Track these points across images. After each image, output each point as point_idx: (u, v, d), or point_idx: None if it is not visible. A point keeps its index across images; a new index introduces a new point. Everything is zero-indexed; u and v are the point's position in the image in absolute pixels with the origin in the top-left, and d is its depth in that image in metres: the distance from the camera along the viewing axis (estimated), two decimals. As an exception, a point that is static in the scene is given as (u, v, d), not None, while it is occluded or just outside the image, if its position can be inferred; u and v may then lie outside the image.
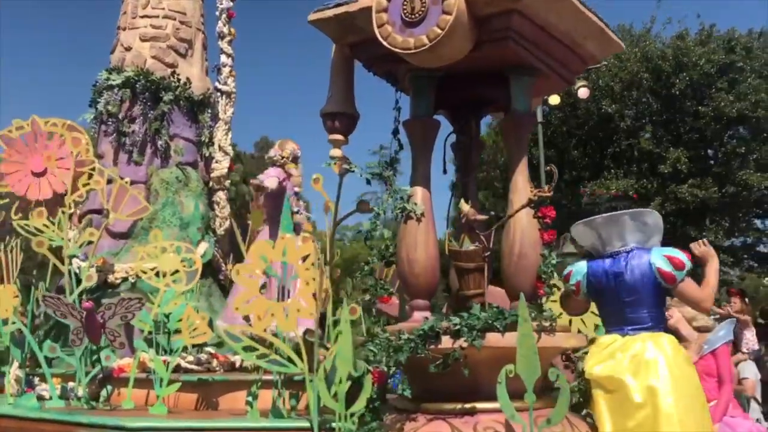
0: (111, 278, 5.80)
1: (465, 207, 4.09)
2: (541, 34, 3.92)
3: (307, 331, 4.85)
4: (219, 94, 7.40)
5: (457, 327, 3.50)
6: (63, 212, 5.68)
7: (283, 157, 6.32)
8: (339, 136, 4.35)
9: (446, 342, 3.54)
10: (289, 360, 4.39)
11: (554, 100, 13.46)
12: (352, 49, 4.23)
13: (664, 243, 3.84)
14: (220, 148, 7.28)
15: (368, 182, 4.13)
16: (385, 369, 3.54)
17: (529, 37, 3.88)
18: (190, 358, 5.75)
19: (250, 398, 4.79)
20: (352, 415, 3.65)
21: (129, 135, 6.94)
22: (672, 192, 18.81)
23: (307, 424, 4.47)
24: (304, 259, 4.45)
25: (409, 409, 3.77)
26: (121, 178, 6.24)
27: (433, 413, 3.67)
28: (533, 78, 4.13)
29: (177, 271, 5.55)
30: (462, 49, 3.76)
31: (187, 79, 7.31)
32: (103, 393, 5.32)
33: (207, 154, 7.43)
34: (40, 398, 5.24)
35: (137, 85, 7.04)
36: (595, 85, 16.49)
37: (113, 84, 7.04)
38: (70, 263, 5.68)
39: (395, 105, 4.15)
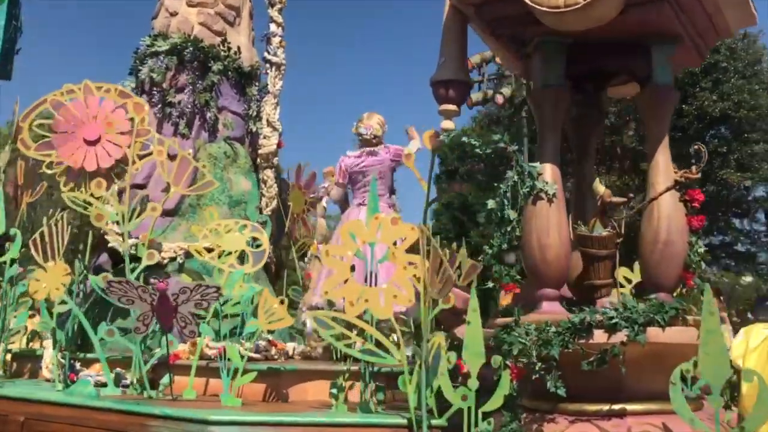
0: (158, 258, 5.35)
1: (601, 188, 3.72)
2: (691, -4, 3.55)
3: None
4: (268, 65, 6.93)
5: (614, 320, 3.13)
6: (116, 184, 5.23)
7: (375, 136, 5.92)
8: (452, 107, 3.96)
9: (599, 336, 3.18)
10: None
11: None
12: (475, 8, 3.83)
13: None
14: (269, 123, 6.81)
15: (487, 158, 3.74)
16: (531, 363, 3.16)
17: (682, -1, 3.51)
18: (249, 345, 5.34)
19: (335, 390, 4.41)
20: (484, 414, 3.29)
21: (175, 106, 6.45)
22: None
23: (402, 421, 4.12)
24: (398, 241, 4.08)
25: (543, 409, 3.41)
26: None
27: (573, 414, 3.31)
28: (674, 47, 3.76)
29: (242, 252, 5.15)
30: (613, 10, 3.39)
31: (238, 48, 6.84)
32: (164, 381, 4.90)
33: (254, 129, 6.97)
34: (97, 385, 4.81)
35: (185, 53, 6.54)
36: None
37: (159, 50, 6.55)
38: (125, 240, 5.22)
39: (535, 76, 3.77)
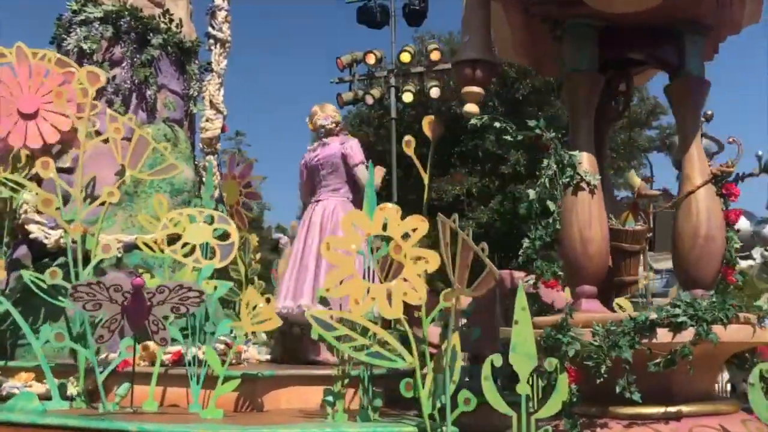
0: (116, 251, 4.69)
1: (636, 180, 3.57)
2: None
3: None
4: (212, 41, 6.35)
5: (681, 319, 2.96)
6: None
7: (337, 123, 5.52)
8: (477, 89, 3.68)
9: (663, 336, 3.00)
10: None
11: (407, 97, 13.99)
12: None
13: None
14: (213, 104, 6.26)
15: (521, 144, 3.48)
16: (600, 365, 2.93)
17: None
18: (205, 348, 4.80)
19: (330, 398, 4.00)
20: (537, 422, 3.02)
21: (110, 81, 5.73)
22: (511, 191, 19.85)
23: (413, 429, 3.80)
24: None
25: (592, 413, 3.19)
26: (98, 132, 5.06)
27: (627, 418, 3.11)
28: (705, 38, 3.67)
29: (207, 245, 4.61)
30: (657, -4, 3.23)
31: (180, 20, 6.20)
32: (120, 392, 4.29)
33: (194, 111, 6.36)
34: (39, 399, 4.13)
35: (121, 23, 5.84)
36: (446, 86, 17.16)
37: (90, 18, 5.81)
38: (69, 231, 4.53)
39: (566, 59, 3.54)
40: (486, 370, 3.19)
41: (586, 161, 3.44)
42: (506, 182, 20.39)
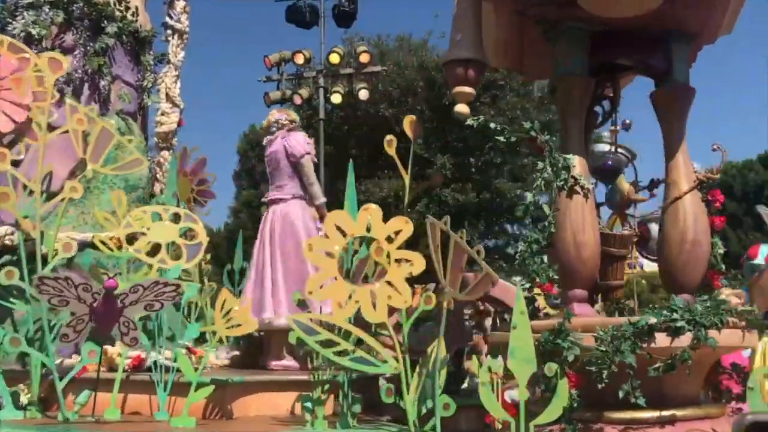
0: (76, 248, 4.39)
1: (625, 185, 3.59)
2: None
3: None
4: (170, 32, 6.09)
5: (679, 324, 2.97)
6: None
7: (292, 121, 5.32)
8: (468, 89, 3.61)
9: (662, 340, 3.01)
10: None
11: (336, 99, 14.04)
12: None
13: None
14: (169, 97, 5.99)
15: (514, 145, 3.44)
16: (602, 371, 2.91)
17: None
18: (169, 353, 4.58)
19: (309, 404, 3.85)
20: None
21: (60, 69, 5.39)
22: (437, 195, 20.10)
23: (395, 436, 3.71)
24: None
25: (587, 418, 3.17)
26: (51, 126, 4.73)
27: (623, 423, 3.12)
28: (692, 45, 3.73)
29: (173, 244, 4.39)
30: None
31: (136, 8, 5.91)
32: (80, 400, 4.03)
33: (148, 103, 6.07)
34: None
35: (73, 8, 5.51)
36: (375, 89, 17.38)
37: (40, 1, 5.45)
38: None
39: (557, 62, 3.52)
40: (483, 377, 3.14)
41: (578, 165, 3.43)
42: (432, 186, 20.38)
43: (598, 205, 3.77)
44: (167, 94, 5.96)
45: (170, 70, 6.02)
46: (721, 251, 3.51)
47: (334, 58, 13.79)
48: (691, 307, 3.03)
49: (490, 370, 3.12)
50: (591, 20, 3.47)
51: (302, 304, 4.10)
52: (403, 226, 3.74)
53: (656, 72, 3.70)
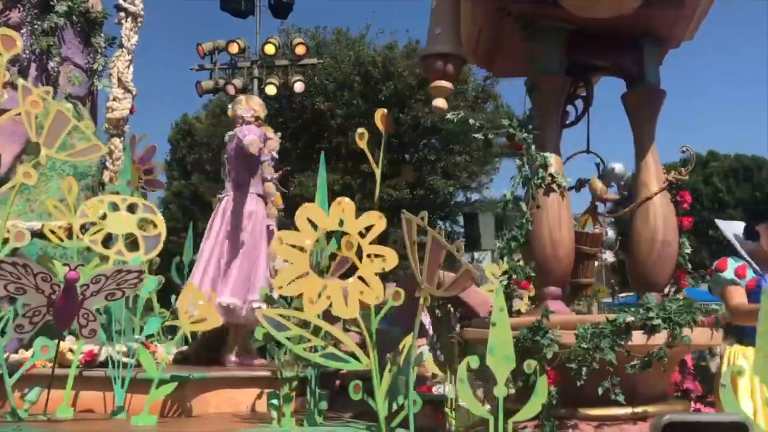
0: (29, 237, 4.15)
1: (598, 184, 3.62)
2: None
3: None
4: (123, 15, 5.84)
5: (655, 321, 3.02)
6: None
7: (257, 118, 5.18)
8: (447, 84, 3.59)
9: (638, 338, 3.05)
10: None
11: (270, 90, 13.90)
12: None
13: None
14: (121, 82, 5.75)
15: (489, 145, 3.44)
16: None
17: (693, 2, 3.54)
18: (122, 348, 4.40)
19: (275, 402, 3.76)
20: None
21: (5, 48, 5.10)
22: (371, 190, 20.30)
23: (365, 434, 3.66)
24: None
25: (561, 415, 3.19)
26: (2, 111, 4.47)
27: (596, 419, 3.15)
28: (662, 48, 3.80)
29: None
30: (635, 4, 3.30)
31: (88, -14, 5.66)
32: (30, 398, 3.81)
33: (99, 88, 5.82)
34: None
35: (20, -17, 5.25)
36: (311, 82, 17.37)
37: (-18, -25, 5.16)
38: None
39: (535, 60, 3.53)
40: (461, 372, 3.12)
41: (555, 163, 3.45)
42: (367, 180, 20.42)
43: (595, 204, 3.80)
44: (119, 79, 5.73)
45: (123, 54, 5.78)
46: (688, 251, 3.59)
47: (270, 49, 13.60)
48: (666, 306, 3.08)
49: (469, 367, 3.11)
50: (569, 20, 3.49)
51: (269, 300, 4.00)
52: (376, 221, 3.69)
53: (629, 74, 3.75)
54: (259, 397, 4.39)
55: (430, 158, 21.28)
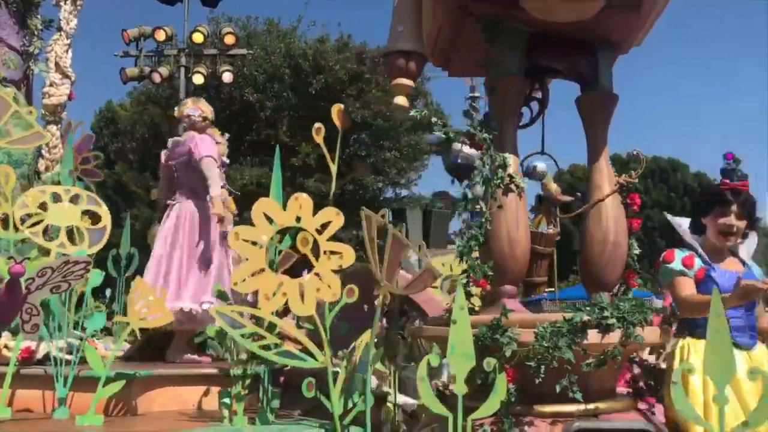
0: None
1: (553, 185, 3.70)
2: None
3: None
4: (62, -4, 5.59)
5: (610, 321, 3.11)
6: None
7: (205, 119, 5.05)
8: (408, 81, 3.59)
9: (593, 337, 3.13)
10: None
11: (198, 79, 13.66)
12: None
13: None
14: (59, 67, 5.51)
15: (449, 141, 3.46)
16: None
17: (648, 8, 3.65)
18: (62, 343, 4.23)
19: (227, 400, 3.68)
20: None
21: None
22: (300, 184, 20.18)
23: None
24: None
25: (517, 411, 3.24)
26: None
27: (550, 416, 3.22)
28: (615, 53, 3.90)
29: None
30: (602, 4, 3.37)
31: (22, -36, 5.39)
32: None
33: (35, 71, 5.56)
34: None
35: (-50, -41, 4.95)
36: (240, 72, 17.18)
37: None
38: None
39: (496, 62, 3.56)
40: (422, 371, 3.13)
41: (513, 164, 3.50)
42: (295, 174, 20.40)
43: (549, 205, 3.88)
44: (57, 64, 5.48)
45: (61, 38, 5.54)
46: (637, 252, 3.70)
47: (198, 38, 13.32)
48: (619, 305, 3.16)
49: (429, 364, 3.12)
50: (530, 23, 3.54)
51: (223, 296, 3.92)
52: (334, 217, 3.67)
53: (583, 77, 3.83)
54: (205, 394, 4.30)
55: (360, 153, 21.30)
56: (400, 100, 3.55)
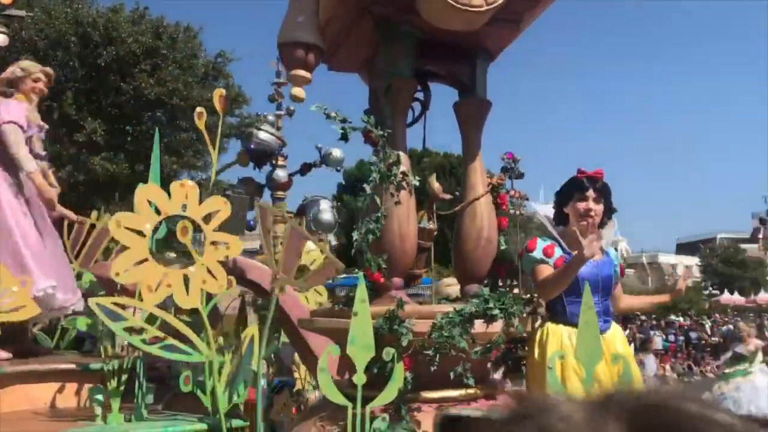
0: None
1: (435, 183, 3.89)
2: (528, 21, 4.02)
3: None
4: None
5: (494, 312, 3.38)
6: None
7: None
8: (306, 73, 3.59)
9: (479, 326, 3.38)
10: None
11: None
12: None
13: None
14: None
15: (345, 138, 3.53)
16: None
17: (526, 24, 3.97)
18: None
19: (100, 397, 3.43)
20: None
21: None
22: (85, 162, 19.46)
23: (202, 426, 3.56)
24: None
25: (407, 398, 3.42)
26: None
27: (436, 401, 3.42)
28: (489, 63, 4.19)
29: None
30: (487, 17, 3.62)
31: None
32: None
33: None
34: None
35: None
36: (17, 36, 16.11)
37: None
38: None
39: (390, 63, 3.68)
40: (322, 362, 3.19)
41: (405, 161, 3.65)
42: (80, 151, 19.35)
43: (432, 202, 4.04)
44: None
45: None
46: (503, 247, 4.03)
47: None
48: (501, 297, 3.45)
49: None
50: (423, 28, 3.69)
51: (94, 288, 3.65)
52: (222, 206, 3.61)
53: (462, 84, 4.08)
54: (60, 391, 3.97)
55: (153, 132, 20.51)
56: (298, 92, 3.54)
